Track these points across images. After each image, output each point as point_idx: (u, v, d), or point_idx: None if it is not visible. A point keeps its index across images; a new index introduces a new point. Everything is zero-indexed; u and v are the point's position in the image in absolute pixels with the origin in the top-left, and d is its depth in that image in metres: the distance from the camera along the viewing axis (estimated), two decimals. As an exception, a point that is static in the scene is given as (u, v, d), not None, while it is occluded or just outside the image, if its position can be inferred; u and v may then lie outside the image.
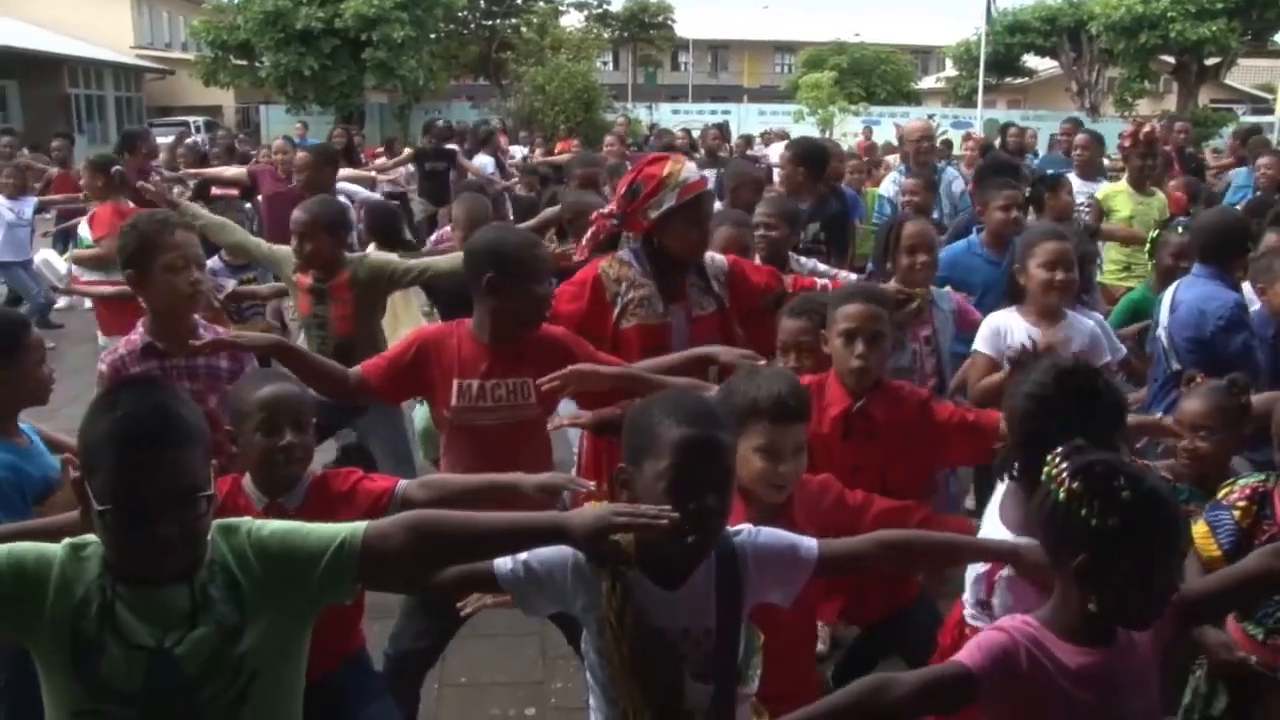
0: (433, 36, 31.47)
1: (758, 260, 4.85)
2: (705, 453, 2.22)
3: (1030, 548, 2.41)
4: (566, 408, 3.91)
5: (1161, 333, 4.63)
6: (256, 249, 5.62)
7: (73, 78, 35.01)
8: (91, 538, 1.99)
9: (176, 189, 10.09)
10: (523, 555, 2.32)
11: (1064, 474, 2.10)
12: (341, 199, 6.71)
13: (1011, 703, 2.12)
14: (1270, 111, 32.35)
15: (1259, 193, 8.43)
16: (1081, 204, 6.90)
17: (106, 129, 34.48)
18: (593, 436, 3.92)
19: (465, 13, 35.70)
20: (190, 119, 31.31)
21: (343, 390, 3.66)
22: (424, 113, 26.54)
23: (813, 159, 6.66)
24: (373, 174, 11.97)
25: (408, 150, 14.25)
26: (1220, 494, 3.14)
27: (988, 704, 2.14)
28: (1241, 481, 3.13)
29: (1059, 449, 2.16)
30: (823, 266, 5.31)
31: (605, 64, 47.32)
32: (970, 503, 5.14)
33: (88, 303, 8.04)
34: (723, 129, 16.29)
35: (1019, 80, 41.40)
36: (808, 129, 25.08)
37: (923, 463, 3.31)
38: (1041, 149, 16.03)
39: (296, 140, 15.46)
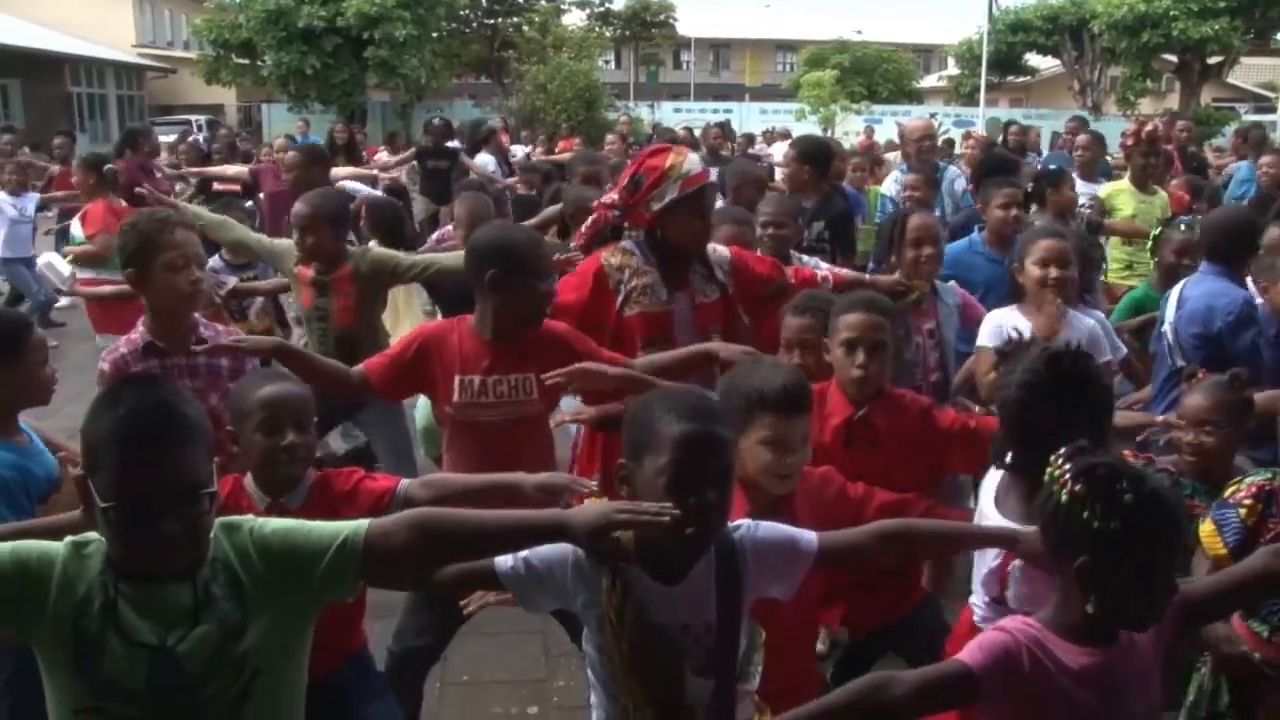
0: (435, 35, 31.45)
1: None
2: (705, 448, 2.23)
3: (1029, 533, 2.41)
4: (569, 404, 3.92)
5: (1167, 329, 4.62)
6: (257, 244, 5.63)
7: (75, 76, 35.02)
8: (94, 535, 1.99)
9: (178, 186, 10.12)
10: (523, 552, 2.32)
11: (1066, 476, 2.10)
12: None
13: (1013, 703, 2.12)
14: (1273, 110, 32.43)
15: (1261, 190, 8.43)
16: (1083, 205, 6.89)
17: (108, 128, 34.48)
18: (590, 432, 3.92)
19: (467, 11, 35.68)
20: (192, 118, 31.31)
21: (345, 389, 3.66)
22: (426, 111, 26.52)
23: (818, 157, 6.66)
24: (374, 172, 11.97)
25: (411, 149, 14.24)
26: (1227, 492, 3.14)
27: (989, 704, 2.14)
28: (1248, 480, 3.13)
29: (1062, 450, 2.16)
30: (825, 265, 5.31)
31: (607, 63, 47.27)
32: (973, 503, 5.13)
33: (88, 302, 8.04)
34: (724, 128, 16.29)
35: (1021, 79, 41.37)
36: (809, 128, 25.08)
37: (925, 471, 3.30)
38: (1044, 148, 16.02)
39: (298, 139, 15.49)
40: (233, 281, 6.29)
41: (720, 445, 2.27)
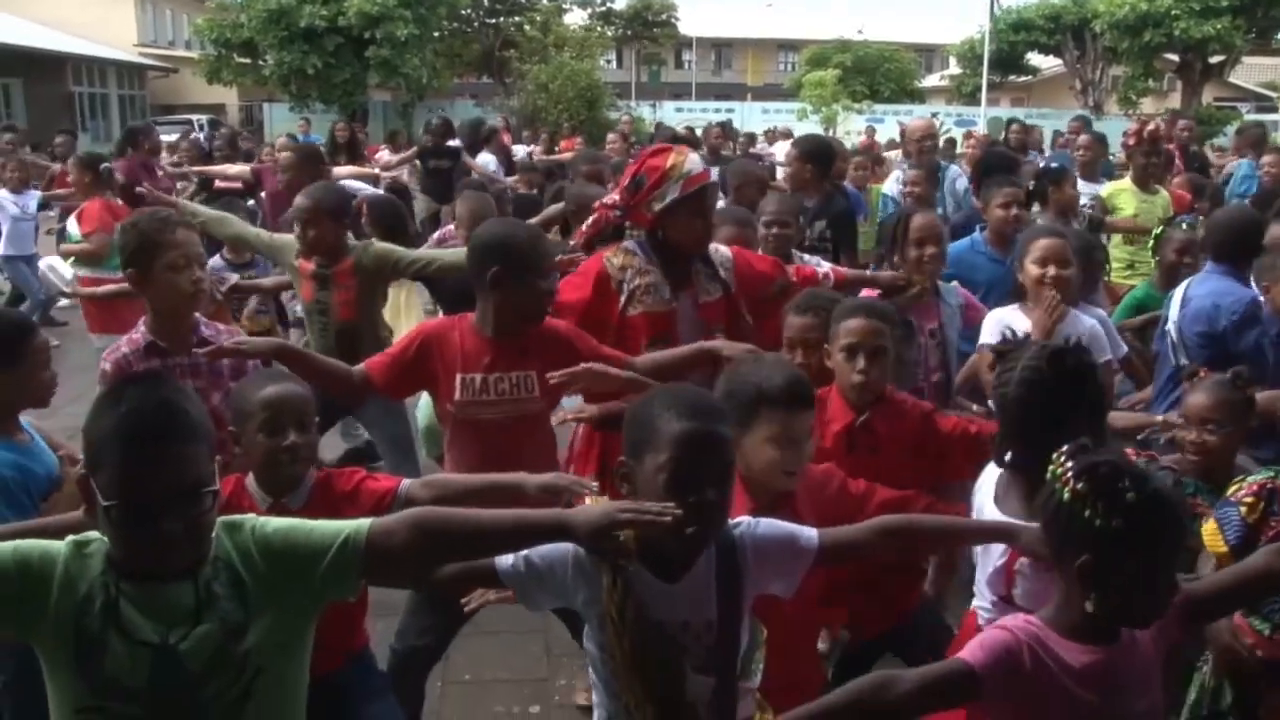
0: (436, 34, 31.43)
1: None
2: (705, 446, 2.23)
3: (1029, 527, 2.42)
4: (570, 402, 3.92)
5: (1171, 328, 4.61)
6: (257, 239, 5.63)
7: (76, 76, 35.04)
8: (95, 535, 1.99)
9: (180, 184, 10.12)
10: (524, 550, 2.32)
11: (1068, 474, 2.10)
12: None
13: (1014, 701, 2.12)
14: (1274, 109, 32.36)
15: (1262, 187, 8.44)
16: (1084, 205, 6.89)
17: (110, 127, 34.48)
18: (589, 431, 3.92)
19: (469, 10, 35.64)
20: (194, 117, 31.30)
21: (347, 388, 3.66)
22: (428, 111, 26.50)
23: (820, 156, 6.67)
24: (376, 171, 11.97)
25: (413, 149, 14.24)
26: (1230, 490, 3.14)
27: (990, 702, 2.14)
28: (1251, 478, 3.14)
29: (1064, 448, 2.16)
30: (826, 264, 5.31)
31: (609, 62, 47.24)
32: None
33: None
34: (726, 127, 16.28)
35: (1023, 78, 41.33)
36: (811, 127, 25.07)
37: (926, 476, 3.30)
38: (1045, 147, 16.01)
39: (300, 138, 15.49)
40: (234, 278, 6.29)
41: (720, 443, 2.27)
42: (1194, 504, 3.15)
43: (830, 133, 23.50)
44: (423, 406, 5.70)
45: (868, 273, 4.83)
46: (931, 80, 50.09)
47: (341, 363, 3.69)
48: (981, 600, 2.81)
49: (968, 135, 13.32)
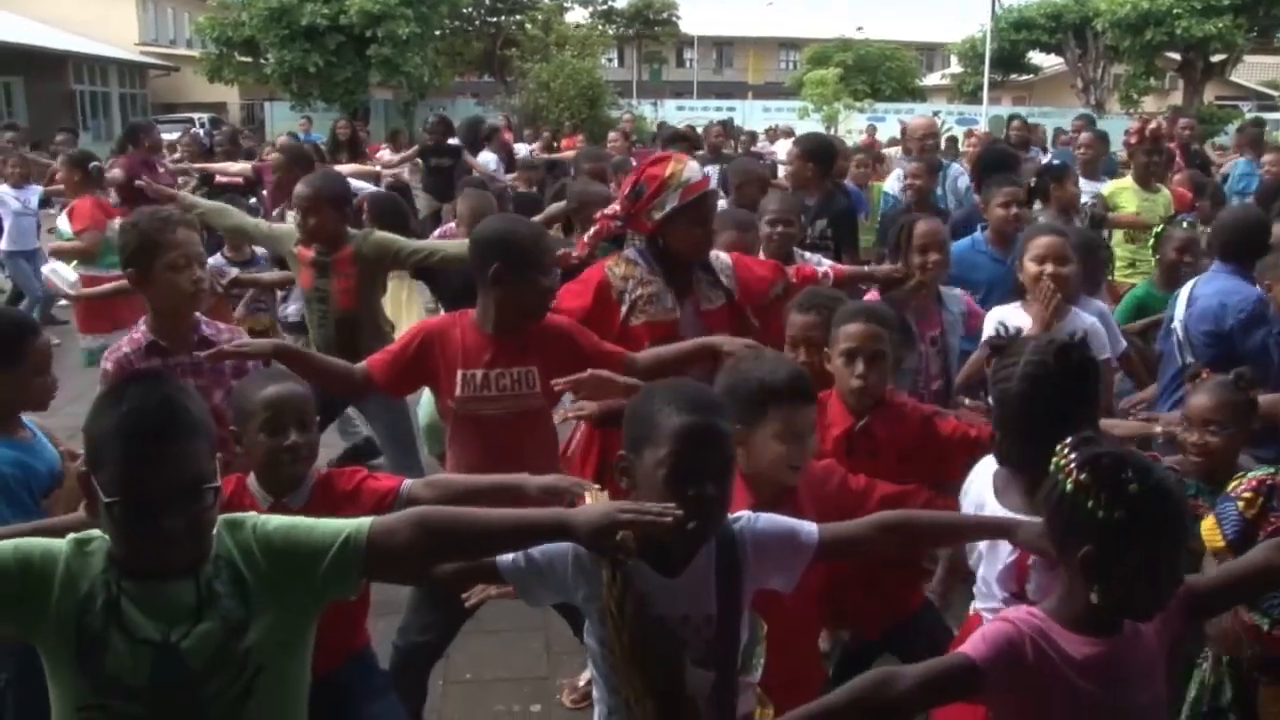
0: (437, 33, 31.42)
1: (762, 258, 4.86)
2: (705, 441, 2.23)
3: (1026, 522, 2.42)
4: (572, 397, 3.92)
5: (1177, 326, 4.61)
6: (255, 229, 5.63)
7: (78, 74, 35.05)
8: (96, 533, 1.99)
9: (180, 180, 10.13)
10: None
11: (1072, 465, 2.10)
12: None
13: (1017, 694, 2.12)
14: (1276, 108, 32.30)
15: (1263, 185, 8.43)
16: (1086, 203, 6.89)
17: (111, 125, 34.49)
18: (590, 430, 3.92)
19: (470, 9, 35.66)
20: (195, 116, 31.32)
21: (349, 386, 3.67)
22: (429, 109, 26.49)
23: (821, 155, 6.66)
24: (377, 169, 11.97)
25: (414, 148, 14.24)
26: (1229, 486, 3.15)
27: (993, 695, 2.14)
28: (1250, 474, 3.14)
29: (1068, 440, 2.16)
30: (828, 262, 5.31)
31: (610, 61, 47.25)
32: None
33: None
34: (727, 126, 16.27)
35: (1024, 77, 41.31)
36: (813, 126, 25.05)
37: (927, 479, 3.30)
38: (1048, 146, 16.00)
39: (301, 136, 15.48)
40: (234, 272, 6.28)
41: (720, 438, 2.27)
42: (1196, 505, 3.15)
43: (832, 131, 23.50)
44: (424, 404, 5.70)
45: (866, 269, 4.83)
46: (933, 79, 50.10)
47: (342, 361, 3.69)
48: (988, 601, 2.78)
49: (969, 134, 13.32)
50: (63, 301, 10.34)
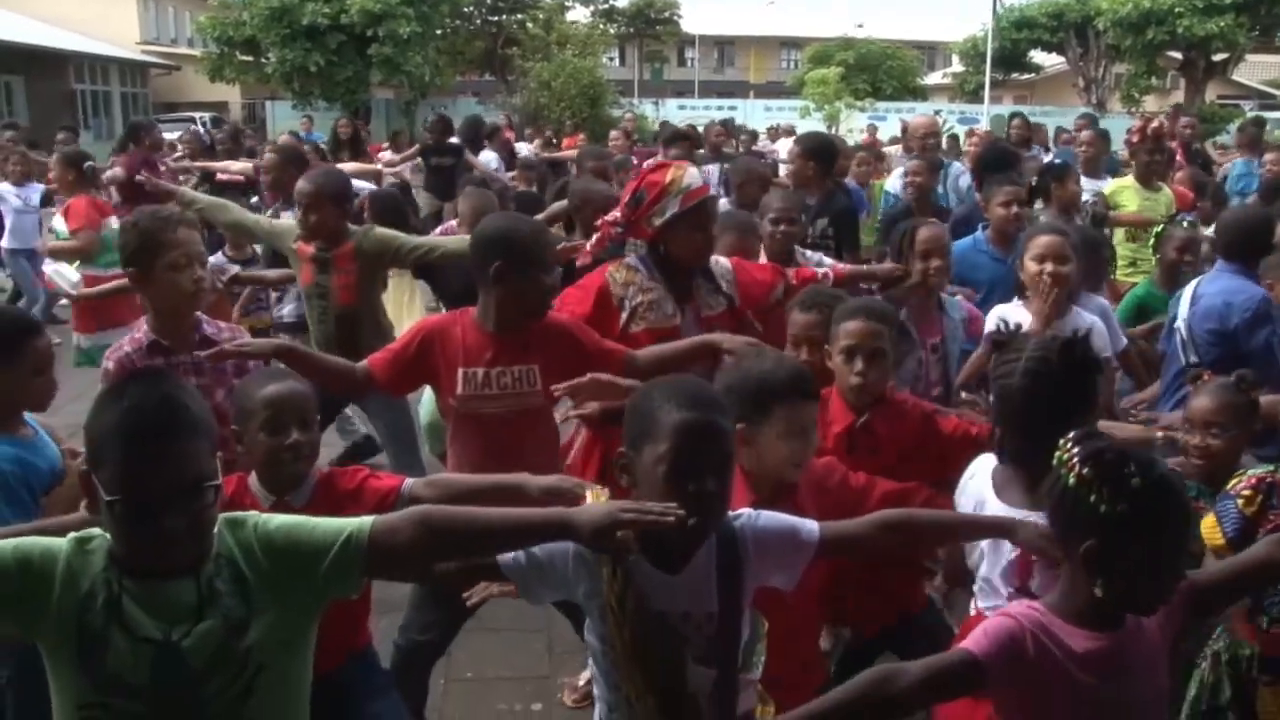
0: (439, 32, 31.38)
1: (764, 258, 4.86)
2: (705, 436, 2.23)
3: (1026, 523, 2.42)
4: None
5: (1181, 325, 4.60)
6: (255, 225, 5.62)
7: (78, 73, 35.04)
8: (97, 531, 1.99)
9: (181, 178, 10.14)
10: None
11: (1074, 459, 2.10)
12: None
13: (1018, 688, 2.12)
14: (1277, 107, 32.29)
15: (1264, 184, 8.44)
16: (1086, 201, 6.89)
17: (112, 124, 34.47)
18: (590, 440, 3.93)
19: (471, 8, 35.63)
20: (196, 115, 31.30)
21: (350, 385, 3.67)
22: (430, 109, 26.48)
23: (822, 154, 6.66)
24: (378, 168, 11.97)
25: (415, 147, 14.23)
26: (1229, 484, 3.15)
27: (995, 689, 2.14)
28: (1250, 472, 3.15)
29: (1071, 434, 2.16)
30: (829, 260, 5.31)
31: (611, 60, 47.24)
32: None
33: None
34: (728, 125, 16.26)
35: (1026, 76, 41.27)
36: (814, 125, 25.04)
37: (928, 476, 3.30)
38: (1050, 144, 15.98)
39: (302, 135, 15.48)
40: (234, 269, 6.28)
41: (720, 433, 2.27)
42: (1197, 508, 3.15)
43: (833, 131, 23.49)
44: (425, 402, 5.70)
45: (865, 268, 4.83)
46: (934, 78, 50.07)
47: (343, 360, 3.70)
48: (992, 599, 2.77)
49: (970, 133, 13.31)
50: (63, 301, 10.37)
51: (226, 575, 2.00)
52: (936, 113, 20.71)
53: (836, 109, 29.97)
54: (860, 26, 45.50)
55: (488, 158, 13.17)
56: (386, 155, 14.22)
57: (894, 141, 15.66)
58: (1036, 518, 2.52)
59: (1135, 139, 7.43)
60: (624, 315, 3.87)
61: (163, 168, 10.32)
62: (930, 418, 3.41)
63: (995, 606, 2.73)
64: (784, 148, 14.77)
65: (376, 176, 10.91)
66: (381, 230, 5.29)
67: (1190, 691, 3.20)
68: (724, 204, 6.47)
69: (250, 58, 30.73)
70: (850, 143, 12.39)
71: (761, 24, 57.96)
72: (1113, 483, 2.05)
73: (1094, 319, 4.25)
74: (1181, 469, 3.36)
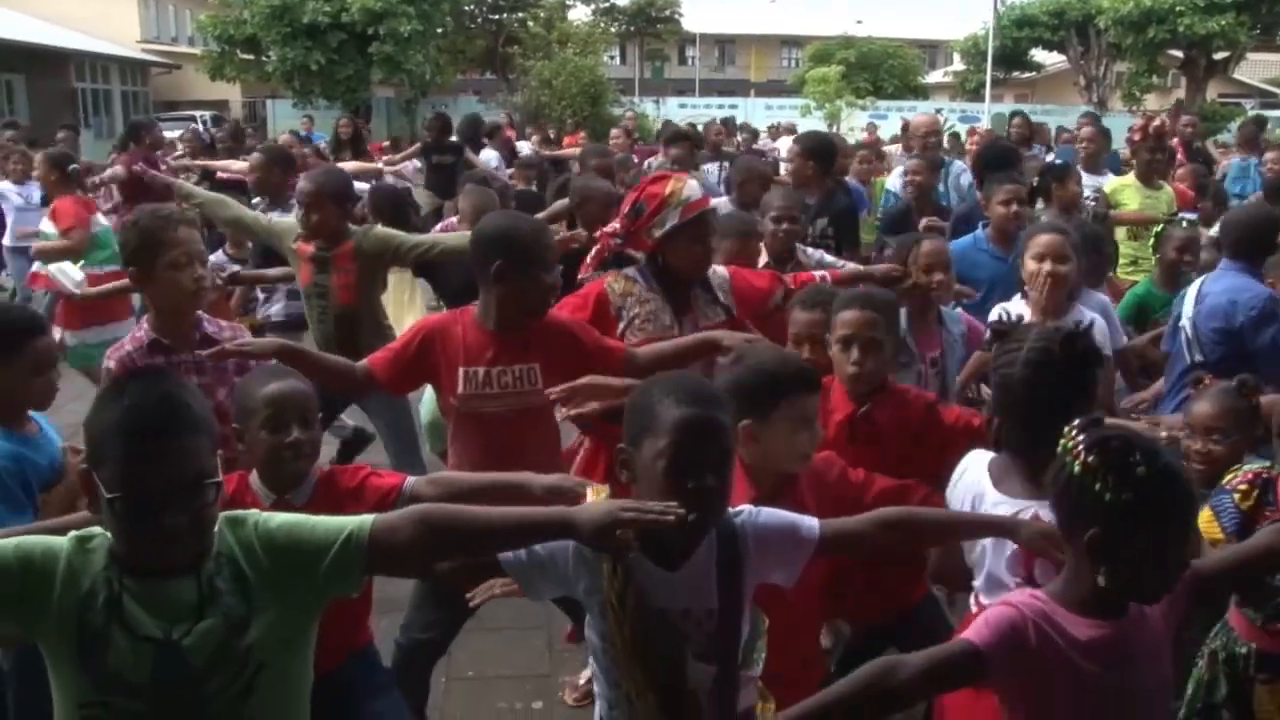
0: (439, 31, 31.33)
1: (764, 258, 4.86)
2: (704, 432, 2.24)
3: (1028, 522, 2.42)
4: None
5: (1186, 324, 4.60)
6: (255, 223, 5.61)
7: (79, 72, 35.02)
8: (97, 530, 2.00)
9: (182, 175, 10.14)
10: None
11: (1079, 447, 2.10)
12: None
13: (1020, 678, 2.12)
14: (1278, 106, 32.26)
15: (1265, 183, 8.44)
16: (1087, 198, 6.89)
17: (113, 123, 34.43)
18: (594, 446, 3.93)
19: (472, 7, 35.63)
20: (197, 113, 31.28)
21: (351, 384, 3.67)
22: (431, 107, 26.45)
23: (822, 153, 6.65)
24: (379, 166, 11.96)
25: (416, 145, 14.23)
26: (1224, 479, 3.16)
27: (997, 679, 2.14)
28: (1245, 467, 3.16)
29: (1076, 422, 2.16)
30: (829, 257, 5.32)
31: (612, 58, 47.24)
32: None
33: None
34: (728, 124, 16.25)
35: (1027, 75, 41.23)
36: (815, 123, 25.04)
37: (930, 466, 3.31)
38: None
39: (303, 134, 15.47)
40: (234, 267, 6.27)
41: (719, 430, 2.27)
42: None
43: (834, 129, 23.48)
44: (426, 401, 5.70)
45: (863, 268, 4.83)
46: (935, 76, 50.06)
47: (344, 359, 3.70)
48: (997, 592, 2.76)
49: (971, 132, 13.31)
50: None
51: (227, 574, 2.00)
52: (938, 111, 20.70)
53: (837, 107, 29.95)
54: (860, 23, 45.54)
55: (489, 156, 13.17)
56: (388, 156, 14.21)
57: (894, 140, 15.66)
58: (1036, 507, 2.52)
59: (1137, 137, 7.42)
60: (621, 325, 3.87)
61: (163, 166, 10.32)
62: (932, 407, 3.43)
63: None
64: (784, 146, 14.77)
65: (377, 175, 10.91)
66: (381, 230, 5.29)
67: (1187, 690, 3.21)
68: (725, 202, 6.48)
69: (251, 56, 30.71)
70: (851, 142, 12.37)
71: (762, 22, 57.98)
72: (1118, 471, 2.04)
73: (1094, 315, 4.25)
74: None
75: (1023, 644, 2.09)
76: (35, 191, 10.45)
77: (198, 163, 11.24)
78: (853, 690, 2.09)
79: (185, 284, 3.55)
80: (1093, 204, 6.88)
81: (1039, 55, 39.48)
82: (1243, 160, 10.42)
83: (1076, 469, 2.09)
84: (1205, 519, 3.09)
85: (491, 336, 3.49)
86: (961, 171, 8.22)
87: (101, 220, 7.94)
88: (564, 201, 6.30)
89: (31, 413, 3.15)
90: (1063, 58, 37.25)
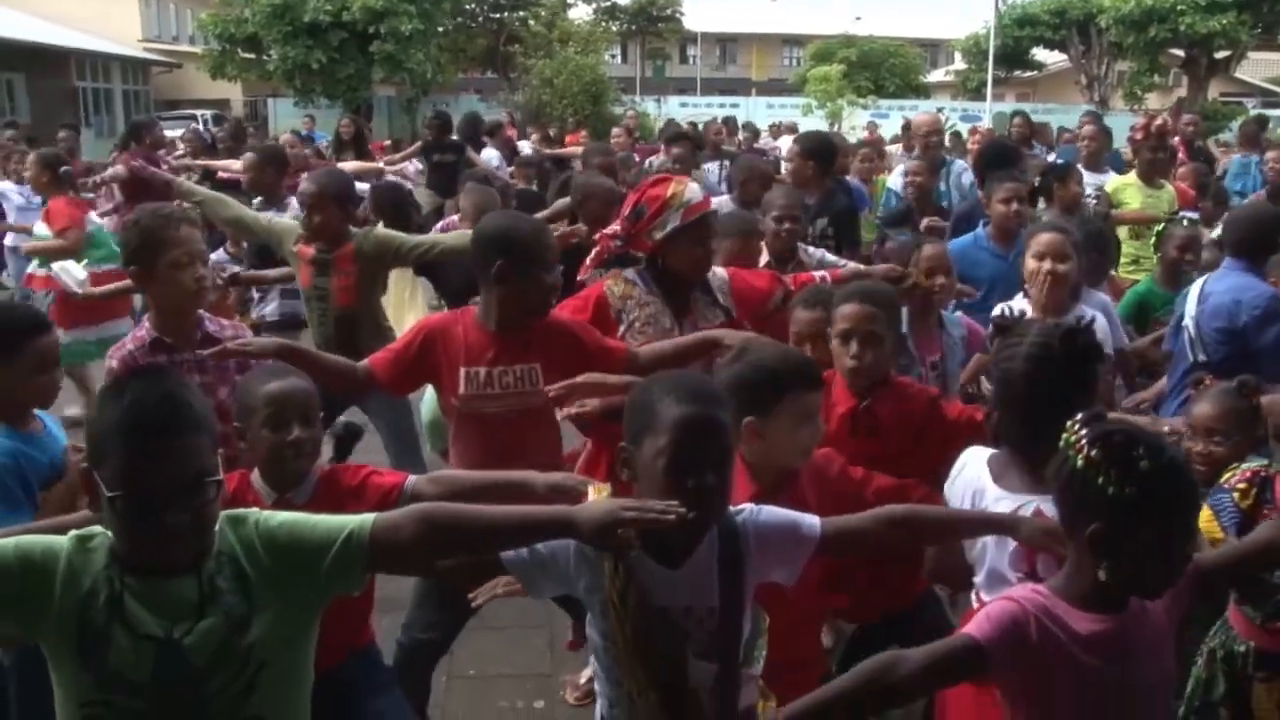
0: (440, 29, 31.34)
1: (765, 258, 4.86)
2: (705, 431, 2.24)
3: (1030, 519, 2.42)
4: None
5: (1189, 323, 4.59)
6: (255, 223, 5.60)
7: (80, 71, 35.02)
8: (98, 529, 2.00)
9: (183, 174, 10.15)
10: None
11: (1082, 441, 2.10)
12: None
13: (1022, 672, 2.12)
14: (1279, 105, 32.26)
15: (1267, 182, 8.44)
16: (1089, 196, 6.89)
17: (114, 122, 34.43)
18: (596, 446, 3.93)
19: (473, 5, 35.63)
20: (198, 112, 31.29)
21: (352, 384, 3.67)
22: (432, 106, 26.46)
23: (822, 153, 6.65)
24: (380, 165, 11.96)
25: (417, 144, 14.23)
26: (1223, 478, 3.16)
27: (998, 674, 2.14)
28: (1244, 466, 3.16)
29: (1079, 416, 2.16)
30: (830, 256, 5.32)
31: (613, 57, 47.26)
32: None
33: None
34: (729, 123, 16.24)
35: (1028, 74, 41.22)
36: (816, 122, 25.05)
37: (933, 460, 3.31)
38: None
39: (304, 134, 15.47)
40: (235, 267, 6.27)
41: (719, 428, 2.27)
42: None
43: (835, 128, 23.48)
44: (427, 401, 5.70)
45: (862, 268, 4.83)
46: (936, 75, 50.05)
47: (345, 359, 3.70)
48: (999, 588, 2.76)
49: (973, 131, 13.30)
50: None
51: (228, 572, 2.00)
52: (939, 110, 20.66)
53: (839, 106, 29.96)
54: (859, 20, 45.52)
55: (490, 155, 13.17)
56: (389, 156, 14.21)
57: (896, 140, 15.66)
58: (1037, 502, 2.53)
59: (1138, 136, 7.41)
60: (621, 328, 3.88)
61: (164, 166, 10.32)
62: (935, 401, 3.43)
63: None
64: (785, 145, 14.76)
65: (378, 174, 10.91)
66: (381, 231, 5.29)
67: (1186, 688, 3.21)
68: (726, 201, 6.48)
69: (252, 55, 30.70)
70: (852, 141, 12.38)
71: (764, 21, 57.95)
72: (1121, 465, 2.04)
73: (1095, 314, 4.25)
74: None
75: (1024, 638, 2.09)
76: None
77: (199, 162, 11.24)
78: (854, 685, 2.09)
79: (187, 283, 3.55)
80: (1094, 203, 6.88)
81: (1040, 54, 39.48)
82: (1244, 157, 10.42)
83: (1079, 463, 2.08)
84: (1205, 518, 3.10)
85: (492, 336, 3.49)
86: (963, 170, 8.21)
87: (95, 219, 7.93)
88: (565, 200, 6.30)
89: (37, 411, 3.15)
90: (1064, 57, 37.26)
